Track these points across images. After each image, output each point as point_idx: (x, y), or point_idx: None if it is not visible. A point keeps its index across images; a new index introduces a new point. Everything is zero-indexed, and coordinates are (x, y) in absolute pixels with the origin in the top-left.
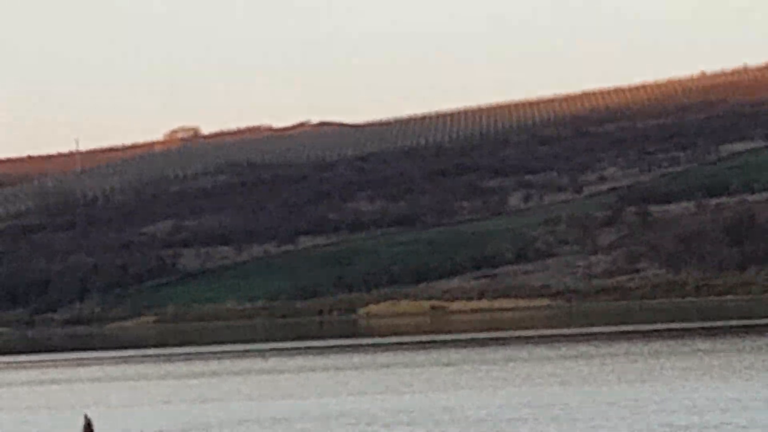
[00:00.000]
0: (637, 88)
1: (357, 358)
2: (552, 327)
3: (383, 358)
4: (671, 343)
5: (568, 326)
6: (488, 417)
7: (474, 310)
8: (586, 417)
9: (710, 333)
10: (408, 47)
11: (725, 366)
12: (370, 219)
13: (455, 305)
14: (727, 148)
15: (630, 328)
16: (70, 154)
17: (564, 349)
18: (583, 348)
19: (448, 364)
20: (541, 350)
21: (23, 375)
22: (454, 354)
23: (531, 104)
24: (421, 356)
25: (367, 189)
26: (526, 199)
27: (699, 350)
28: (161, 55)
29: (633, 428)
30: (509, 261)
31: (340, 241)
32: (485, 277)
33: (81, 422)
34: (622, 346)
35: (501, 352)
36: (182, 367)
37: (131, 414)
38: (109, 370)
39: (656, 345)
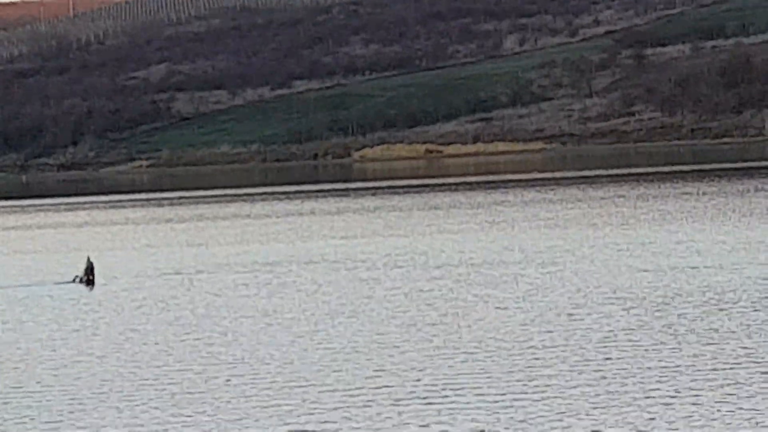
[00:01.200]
0: None
1: (347, 203)
2: (546, 171)
3: (374, 201)
4: (663, 185)
5: (563, 170)
6: (470, 260)
7: (469, 154)
8: (568, 260)
9: (703, 176)
10: None
11: (714, 209)
12: (364, 63)
13: (450, 149)
14: None
15: (624, 171)
16: None
17: (554, 193)
18: (574, 191)
19: (437, 208)
20: (532, 194)
21: (17, 219)
22: (444, 198)
23: None
24: (411, 200)
25: (362, 32)
26: (521, 42)
27: (689, 193)
28: None
29: (612, 271)
30: (504, 105)
31: (334, 85)
32: (480, 120)
33: (83, 264)
34: (613, 189)
35: (492, 196)
36: (172, 211)
37: (115, 257)
38: (101, 215)
39: (648, 188)
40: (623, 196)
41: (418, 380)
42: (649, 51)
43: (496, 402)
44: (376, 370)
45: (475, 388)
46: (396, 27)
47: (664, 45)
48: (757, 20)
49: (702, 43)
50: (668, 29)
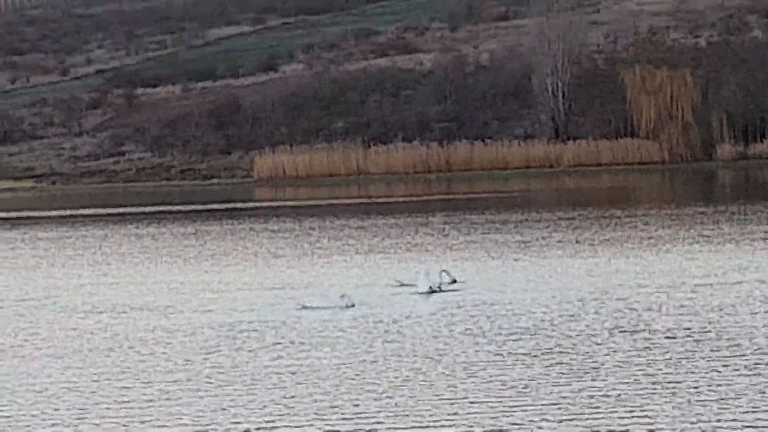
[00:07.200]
0: None
1: None
2: (36, 209)
3: None
4: (159, 225)
5: (54, 208)
6: None
7: None
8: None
9: (194, 216)
10: None
11: (194, 249)
12: None
13: None
14: (214, 33)
15: (117, 210)
16: None
17: (48, 231)
18: (64, 230)
19: None
20: (33, 232)
21: None
22: None
23: None
24: None
25: None
26: (13, 80)
27: (187, 233)
28: None
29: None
30: None
31: None
32: None
33: None
34: (108, 228)
35: None
36: None
37: None
38: None
39: (138, 228)
40: (123, 234)
41: None
42: (139, 91)
43: None
44: None
45: None
46: None
47: (155, 86)
48: (245, 63)
49: (192, 84)
50: (159, 70)
